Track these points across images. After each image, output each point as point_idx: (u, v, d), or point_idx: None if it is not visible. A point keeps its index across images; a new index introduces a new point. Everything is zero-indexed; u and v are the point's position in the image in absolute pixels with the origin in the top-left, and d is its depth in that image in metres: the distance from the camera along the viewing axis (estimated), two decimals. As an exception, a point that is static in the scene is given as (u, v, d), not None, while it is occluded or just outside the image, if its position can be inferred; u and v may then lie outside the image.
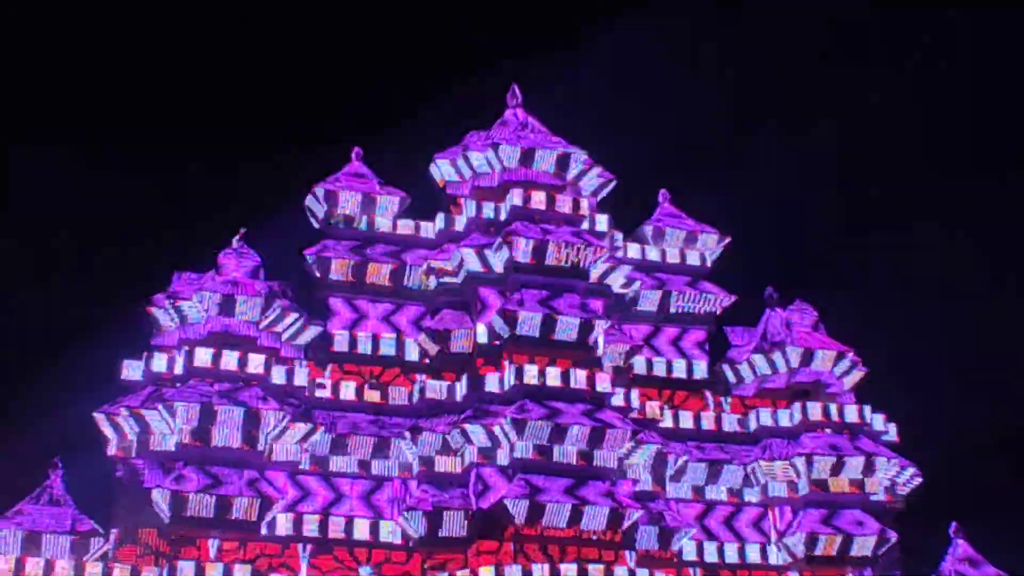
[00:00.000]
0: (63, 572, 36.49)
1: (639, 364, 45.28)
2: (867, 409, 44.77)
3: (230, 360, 39.77)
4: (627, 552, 38.97)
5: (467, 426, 39.76)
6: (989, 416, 70.99)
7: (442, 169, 46.66)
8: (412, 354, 43.77)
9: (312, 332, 42.88)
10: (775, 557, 42.86)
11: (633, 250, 47.63)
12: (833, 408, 44.26)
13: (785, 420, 44.33)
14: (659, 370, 46.02)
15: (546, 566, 37.41)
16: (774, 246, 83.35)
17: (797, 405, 44.28)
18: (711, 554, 42.57)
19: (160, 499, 37.39)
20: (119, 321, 44.23)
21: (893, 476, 43.55)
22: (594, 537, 38.75)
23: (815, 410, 44.05)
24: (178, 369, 40.15)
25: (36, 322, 76.14)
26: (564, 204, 44.75)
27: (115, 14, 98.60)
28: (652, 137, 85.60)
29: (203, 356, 39.70)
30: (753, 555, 42.95)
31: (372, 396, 42.41)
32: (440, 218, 45.91)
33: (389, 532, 40.10)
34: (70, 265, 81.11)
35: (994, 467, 64.75)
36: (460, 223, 45.53)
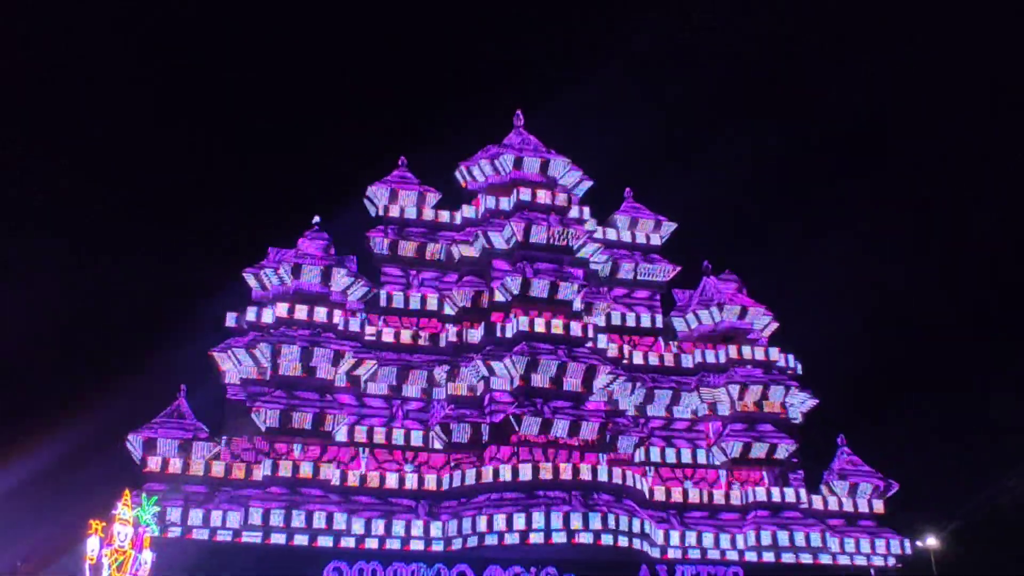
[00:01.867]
0: (174, 467, 36.72)
1: (611, 317, 45.26)
2: (776, 350, 44.99)
3: (303, 312, 39.67)
4: (601, 454, 39.28)
5: (483, 361, 40.22)
6: (869, 357, 71.39)
7: (465, 173, 46.85)
8: (443, 308, 43.73)
9: (370, 292, 42.84)
10: (709, 459, 43.10)
11: (607, 233, 47.59)
12: (752, 349, 44.42)
13: (717, 359, 44.49)
14: (625, 322, 45.91)
15: (543, 463, 37.78)
16: (710, 231, 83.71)
17: (725, 348, 44.46)
18: (664, 457, 42.87)
19: (260, 416, 37.75)
20: (231, 282, 43.97)
21: (796, 400, 43.83)
22: (577, 443, 38.99)
23: (739, 351, 44.29)
24: (269, 319, 40.35)
25: (166, 284, 76.49)
26: (554, 199, 44.90)
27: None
28: (621, 146, 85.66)
29: (286, 310, 39.70)
30: (694, 458, 43.26)
31: (413, 339, 42.50)
32: (464, 209, 46.08)
33: (427, 438, 40.39)
34: (194, 241, 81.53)
35: (871, 395, 65.20)
36: (478, 213, 45.74)
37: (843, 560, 40.61)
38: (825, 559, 40.35)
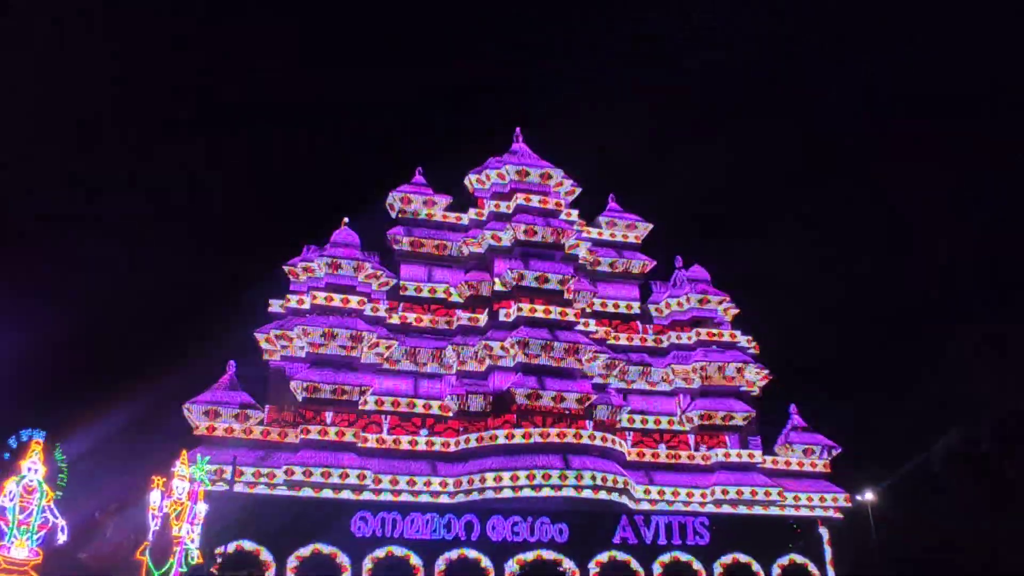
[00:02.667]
0: (223, 431, 37.03)
1: (596, 304, 45.39)
2: (738, 333, 45.19)
3: (335, 300, 39.83)
4: (587, 421, 39.53)
5: (487, 342, 40.43)
6: (818, 338, 71.67)
7: (472, 181, 46.83)
8: (453, 297, 43.91)
9: (392, 283, 43.10)
10: (679, 425, 43.29)
11: (592, 232, 47.66)
12: (716, 332, 44.61)
13: (687, 340, 44.66)
14: (608, 308, 46.08)
15: (537, 429, 38.03)
16: (681, 231, 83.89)
17: (694, 331, 44.60)
18: (640, 424, 43.08)
19: (297, 387, 38.00)
20: (270, 274, 44.15)
21: (753, 374, 44.00)
22: (567, 412, 39.21)
23: (705, 333, 44.46)
24: (305, 305, 40.57)
25: (217, 276, 76.73)
26: (548, 203, 44.96)
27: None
28: (608, 152, 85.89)
29: (321, 298, 39.92)
30: (666, 424, 43.47)
31: (428, 323, 42.73)
32: (470, 212, 46.17)
33: (439, 408, 40.63)
34: (239, 240, 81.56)
35: (819, 370, 65.27)
36: (483, 215, 45.84)
37: (793, 512, 40.85)
38: (778, 511, 40.61)
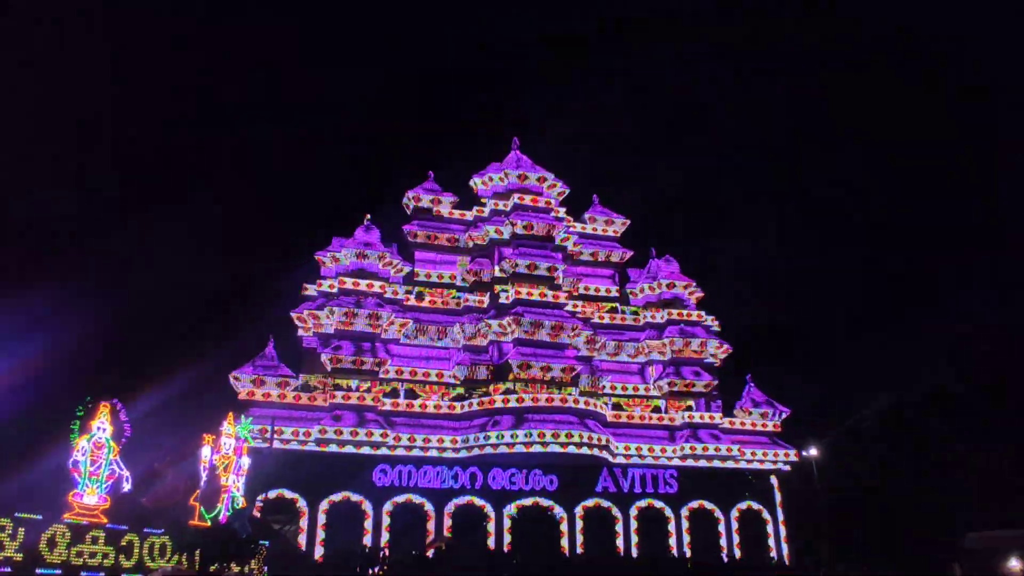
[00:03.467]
0: (264, 396, 37.05)
1: (581, 288, 45.37)
2: (703, 313, 45.20)
3: (360, 284, 39.86)
4: (574, 388, 39.62)
5: (488, 320, 40.45)
6: (771, 316, 71.87)
7: (476, 182, 46.62)
8: (460, 282, 43.83)
9: (408, 270, 42.99)
10: (652, 391, 43.38)
11: (578, 227, 47.57)
12: (684, 312, 44.63)
13: (659, 319, 44.68)
14: (592, 292, 46.03)
15: (531, 395, 38.14)
16: (655, 225, 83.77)
17: (665, 311, 44.61)
18: (620, 391, 43.13)
19: (326, 359, 38.03)
20: (304, 263, 44.11)
21: (715, 348, 43.99)
22: (556, 380, 39.30)
23: (675, 314, 44.49)
24: (334, 289, 40.55)
25: (263, 265, 76.66)
26: (540, 202, 44.84)
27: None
28: (594, 155, 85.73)
29: (348, 282, 39.91)
30: (642, 391, 43.54)
31: (438, 304, 42.64)
32: (475, 209, 45.98)
33: (448, 376, 40.67)
34: (276, 233, 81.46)
35: (773, 344, 65.48)
36: (486, 212, 45.61)
37: (749, 465, 41.04)
38: (736, 464, 40.80)
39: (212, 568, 15.51)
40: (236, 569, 16.46)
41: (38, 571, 16.01)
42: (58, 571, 16.35)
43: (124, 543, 17.87)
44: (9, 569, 15.46)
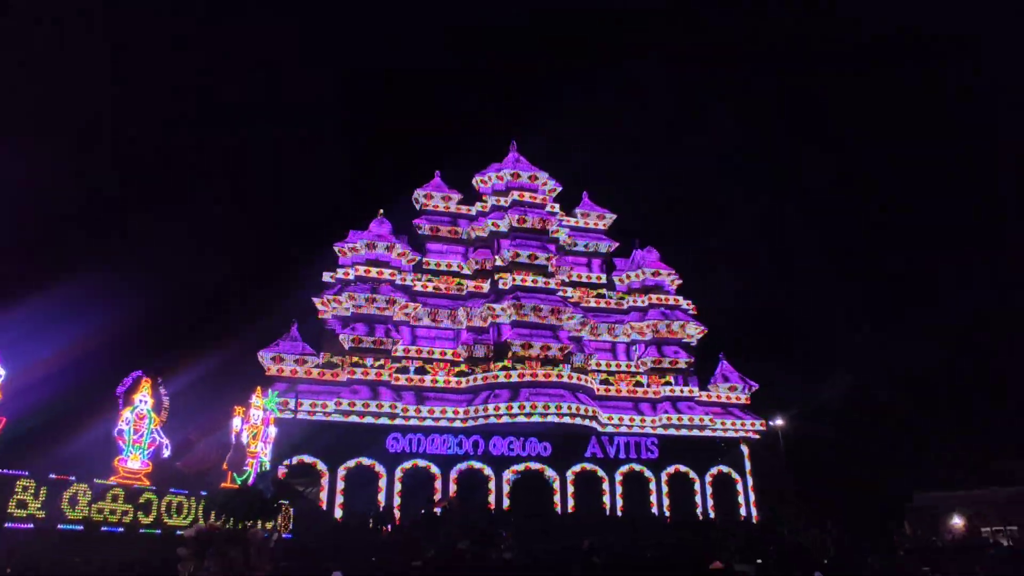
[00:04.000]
0: (289, 372, 37.11)
1: (573, 276, 45.36)
2: (681, 298, 45.21)
3: (374, 272, 39.95)
4: (566, 365, 39.72)
5: (490, 305, 40.49)
6: (743, 299, 71.91)
7: (478, 181, 46.41)
8: (464, 270, 43.77)
9: (417, 260, 42.88)
10: (636, 368, 43.47)
11: (570, 221, 47.39)
12: (664, 297, 44.63)
13: (642, 303, 44.67)
14: (582, 279, 46.02)
15: (528, 371, 38.29)
16: (638, 219, 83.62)
17: (648, 296, 44.62)
18: (606, 367, 43.27)
19: (344, 339, 38.13)
20: (324, 253, 44.05)
21: (692, 329, 44.04)
22: (550, 358, 39.41)
23: (656, 299, 44.50)
24: (351, 276, 40.58)
25: (288, 254, 76.47)
26: (536, 199, 44.77)
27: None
28: (582, 161, 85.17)
29: (363, 271, 39.99)
30: (625, 367, 43.64)
31: (444, 290, 42.61)
32: (477, 205, 45.86)
33: (453, 355, 40.74)
34: (300, 227, 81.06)
35: (744, 325, 65.63)
36: (487, 208, 45.49)
37: (722, 434, 41.26)
38: (710, 433, 41.02)
39: (240, 525, 15.72)
40: (261, 526, 16.67)
41: (59, 527, 15.68)
42: (80, 526, 16.05)
43: (143, 501, 17.63)
44: (31, 526, 15.22)
